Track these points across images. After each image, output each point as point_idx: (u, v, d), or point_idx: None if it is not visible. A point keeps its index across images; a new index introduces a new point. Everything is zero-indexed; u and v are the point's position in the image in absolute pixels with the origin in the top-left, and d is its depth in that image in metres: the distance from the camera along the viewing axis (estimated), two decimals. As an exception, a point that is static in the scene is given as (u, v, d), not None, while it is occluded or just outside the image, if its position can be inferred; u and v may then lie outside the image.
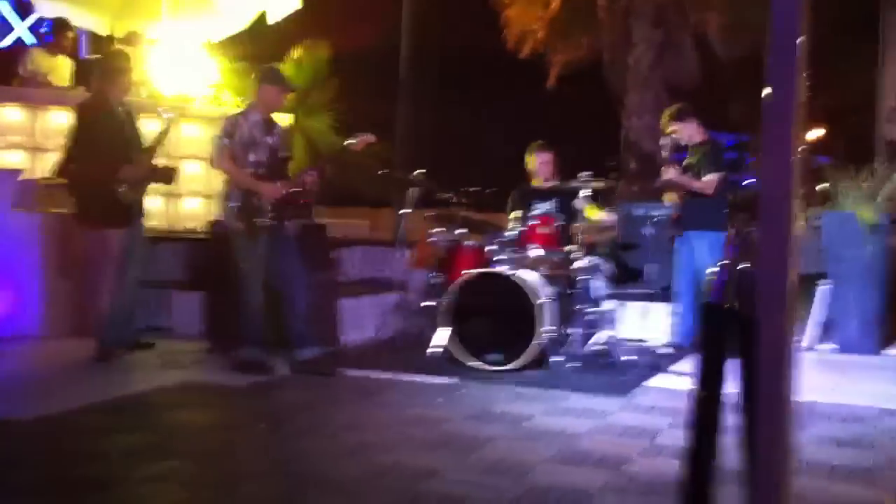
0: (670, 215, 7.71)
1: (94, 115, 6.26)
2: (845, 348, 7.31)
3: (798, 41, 2.05)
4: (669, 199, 7.09)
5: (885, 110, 12.85)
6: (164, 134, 6.50)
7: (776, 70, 2.08)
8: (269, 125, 6.17)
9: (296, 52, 12.66)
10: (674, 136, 7.09)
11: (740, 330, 3.19)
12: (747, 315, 3.09)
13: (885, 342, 7.38)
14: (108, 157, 6.13)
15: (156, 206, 8.31)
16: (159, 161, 6.59)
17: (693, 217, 6.91)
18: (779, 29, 2.08)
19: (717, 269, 3.34)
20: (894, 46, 12.93)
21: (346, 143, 6.39)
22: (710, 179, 6.82)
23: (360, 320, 7.34)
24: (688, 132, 7.11)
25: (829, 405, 5.34)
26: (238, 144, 6.00)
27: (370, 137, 6.41)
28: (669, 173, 6.97)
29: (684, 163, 7.13)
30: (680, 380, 6.04)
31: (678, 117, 7.14)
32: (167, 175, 6.61)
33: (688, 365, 6.50)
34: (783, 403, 2.06)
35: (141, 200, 6.41)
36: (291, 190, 6.04)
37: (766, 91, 2.06)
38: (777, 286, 2.03)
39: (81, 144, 6.21)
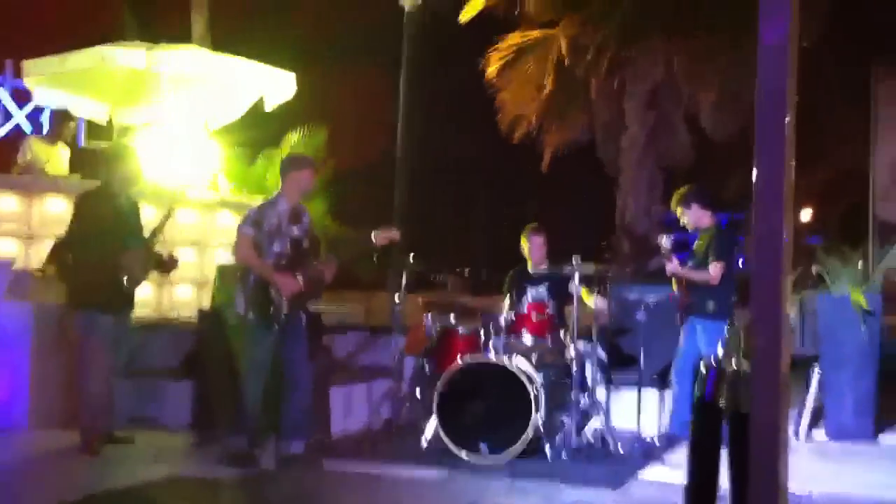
0: (667, 300, 7.69)
1: (97, 204, 6.31)
2: (840, 434, 7.20)
3: (786, 121, 2.04)
4: (675, 286, 7.07)
5: (879, 188, 12.85)
6: (163, 224, 6.53)
7: (764, 150, 2.06)
8: (297, 215, 6.16)
9: (292, 137, 12.80)
10: (681, 220, 7.16)
11: (732, 424, 3.16)
12: (739, 410, 3.07)
13: (881, 428, 7.28)
14: (108, 245, 6.14)
15: (147, 294, 8.29)
16: (159, 250, 6.59)
17: (699, 304, 6.89)
18: (765, 110, 2.07)
19: (709, 364, 3.31)
20: (887, 123, 13.01)
21: (372, 236, 6.38)
22: (714, 270, 6.82)
23: (352, 408, 7.27)
24: (694, 217, 7.13)
25: (826, 496, 5.26)
26: (264, 234, 6.00)
27: (394, 234, 6.44)
28: (671, 267, 6.94)
29: (693, 247, 7.13)
30: (674, 472, 5.93)
31: (683, 202, 7.16)
32: (170, 265, 6.62)
33: (682, 456, 6.41)
34: (777, 492, 2.02)
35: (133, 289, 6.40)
36: (309, 284, 6.02)
37: (755, 173, 2.04)
38: (770, 367, 2.00)
39: (81, 232, 6.25)
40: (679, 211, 7.19)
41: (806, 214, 30.01)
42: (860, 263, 7.79)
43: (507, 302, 7.19)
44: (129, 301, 6.38)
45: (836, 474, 5.94)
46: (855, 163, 16.32)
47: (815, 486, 5.39)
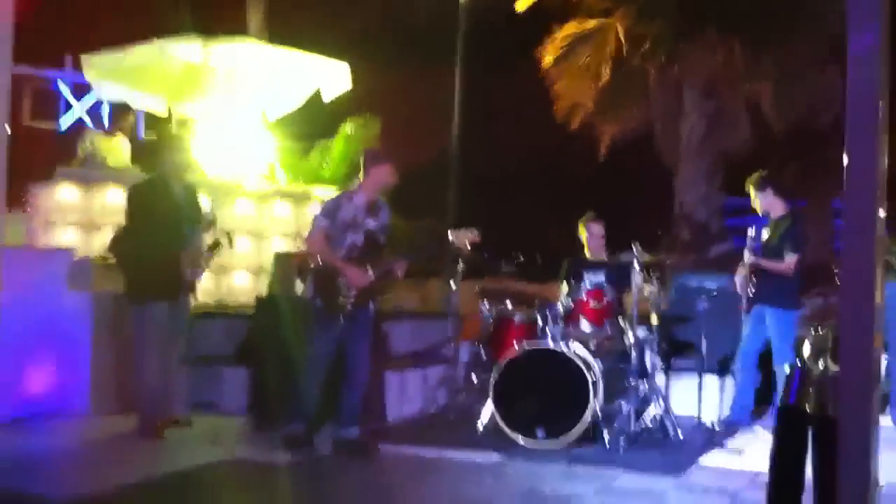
0: (728, 288, 7.55)
1: (150, 194, 6.37)
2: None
3: (879, 108, 1.96)
4: (741, 274, 6.92)
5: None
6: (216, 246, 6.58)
7: (856, 138, 1.98)
8: (374, 208, 6.09)
9: (347, 128, 12.83)
10: (753, 203, 7.02)
11: (819, 428, 3.02)
12: (826, 413, 2.95)
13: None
14: (165, 234, 6.20)
15: (205, 282, 8.36)
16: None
17: (768, 292, 6.74)
18: (856, 96, 1.99)
19: (794, 365, 3.17)
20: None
21: (451, 235, 6.37)
22: (790, 260, 6.69)
23: (407, 395, 7.25)
24: (767, 202, 6.99)
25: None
26: (338, 225, 5.99)
27: (475, 236, 6.38)
28: (751, 259, 6.77)
29: (763, 238, 6.98)
30: (735, 458, 5.82)
31: (760, 186, 7.03)
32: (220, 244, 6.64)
33: (743, 442, 6.28)
34: (867, 490, 1.93)
35: (189, 277, 6.43)
36: (379, 278, 6.01)
37: (846, 160, 1.96)
38: (860, 366, 1.91)
39: (136, 223, 6.32)
40: (753, 194, 7.04)
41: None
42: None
43: (563, 289, 7.11)
44: (186, 290, 6.41)
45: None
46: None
47: (884, 475, 5.22)
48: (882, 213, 1.97)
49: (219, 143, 10.04)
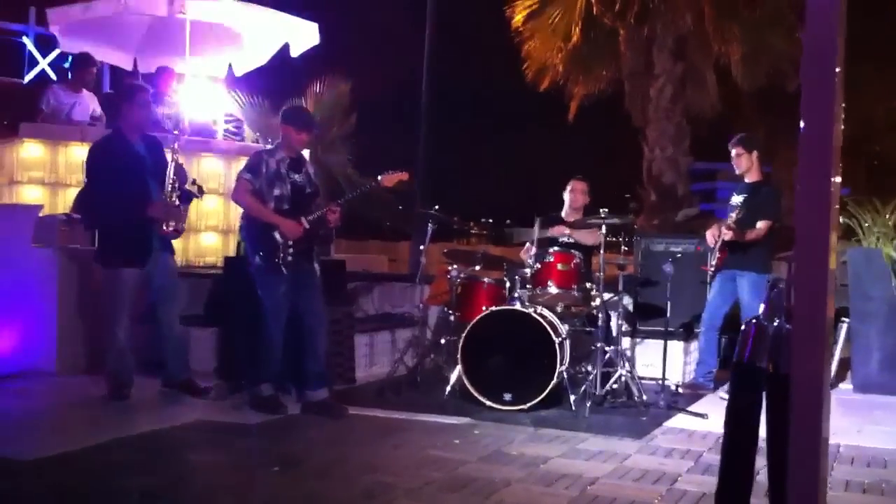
0: (694, 251, 7.62)
1: (110, 150, 6.23)
2: (866, 387, 7.16)
3: (836, 72, 1.97)
4: (710, 239, 6.93)
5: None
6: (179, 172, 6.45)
7: (811, 101, 1.99)
8: (298, 163, 6.12)
9: (316, 87, 12.73)
10: (733, 161, 7.01)
11: (772, 385, 3.08)
12: (779, 370, 3.00)
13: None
14: (127, 193, 6.08)
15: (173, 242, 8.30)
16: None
17: (740, 257, 6.79)
18: (813, 60, 1.99)
19: (749, 323, 3.22)
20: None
21: (378, 178, 6.26)
22: (763, 226, 6.73)
23: (376, 356, 7.30)
24: (747, 164, 6.98)
25: (852, 448, 5.23)
26: (263, 180, 5.97)
27: (402, 175, 6.30)
28: (728, 235, 6.77)
29: (732, 201, 7.00)
30: (698, 421, 5.94)
31: (747, 145, 7.00)
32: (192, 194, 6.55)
33: (706, 405, 6.39)
34: (818, 446, 1.98)
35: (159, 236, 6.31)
36: (312, 225, 5.99)
37: (802, 124, 1.98)
38: (814, 321, 1.94)
39: (98, 181, 6.21)
40: (735, 152, 7.00)
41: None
42: (890, 216, 7.68)
43: (528, 247, 7.11)
44: (159, 249, 6.30)
45: (862, 427, 5.90)
46: (882, 115, 16.03)
47: (842, 438, 5.36)
48: (838, 179, 2.01)
49: (184, 98, 9.91)
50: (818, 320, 1.94)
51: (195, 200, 6.72)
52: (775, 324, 3.08)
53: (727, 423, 3.20)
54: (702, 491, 4.28)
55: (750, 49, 13.38)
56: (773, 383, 3.03)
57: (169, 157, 6.33)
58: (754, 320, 3.18)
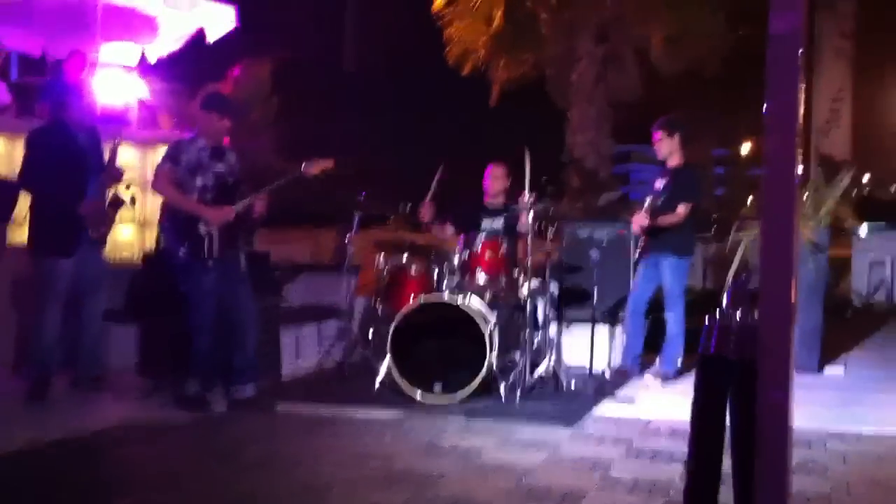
0: (617, 236, 7.66)
1: (49, 141, 6.04)
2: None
3: (799, 52, 1.98)
4: (635, 224, 6.94)
5: (818, 123, 12.90)
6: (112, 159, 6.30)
7: (776, 81, 2.00)
8: (219, 151, 5.96)
9: (235, 71, 12.47)
10: (656, 145, 6.97)
11: (739, 375, 3.08)
12: (746, 359, 3.00)
13: (826, 360, 7.41)
14: (63, 185, 5.92)
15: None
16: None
17: (663, 240, 6.82)
18: (779, 40, 2.00)
19: (713, 316, 3.21)
20: (828, 56, 13.04)
21: (302, 167, 6.09)
22: (683, 210, 6.76)
23: (303, 349, 7.19)
24: (670, 147, 6.95)
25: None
26: (184, 169, 5.79)
27: (328, 163, 6.14)
28: (647, 222, 6.79)
29: (656, 185, 7.01)
30: (626, 407, 5.99)
31: (670, 128, 6.95)
32: (117, 175, 6.37)
33: (634, 390, 6.46)
34: (787, 434, 2.00)
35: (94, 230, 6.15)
36: (238, 214, 5.82)
37: (766, 104, 1.99)
38: (782, 298, 1.96)
39: (35, 172, 5.99)
40: (660, 135, 6.95)
41: (745, 148, 30.23)
42: (806, 198, 7.81)
43: (453, 231, 7.09)
44: (88, 241, 6.12)
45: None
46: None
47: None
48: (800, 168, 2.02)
49: (96, 86, 9.58)
50: (784, 310, 1.97)
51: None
52: (738, 316, 3.08)
53: (694, 417, 3.19)
54: (634, 477, 4.32)
55: (671, 33, 13.52)
56: (739, 375, 3.03)
57: (107, 153, 6.23)
58: (717, 311, 3.18)
